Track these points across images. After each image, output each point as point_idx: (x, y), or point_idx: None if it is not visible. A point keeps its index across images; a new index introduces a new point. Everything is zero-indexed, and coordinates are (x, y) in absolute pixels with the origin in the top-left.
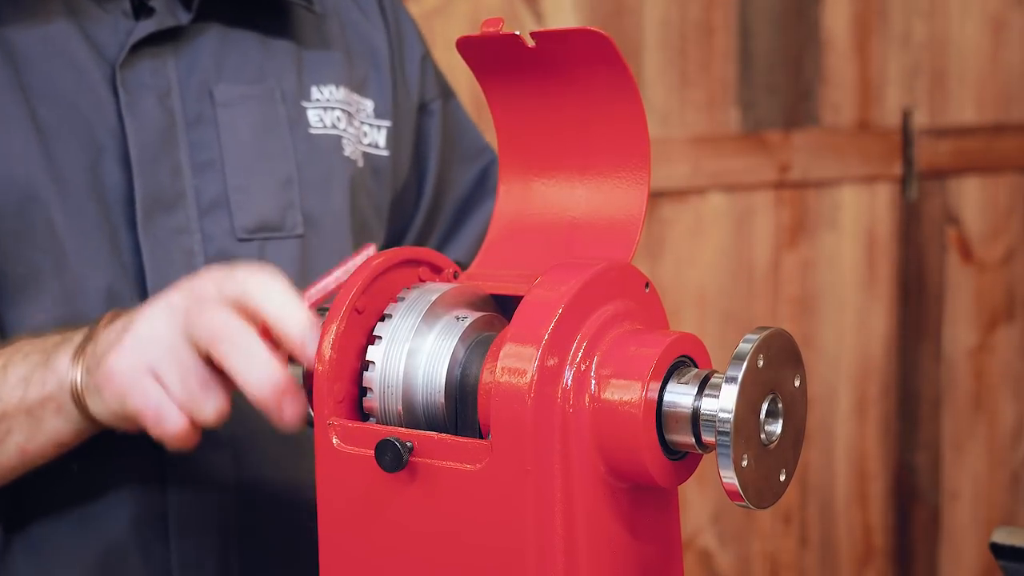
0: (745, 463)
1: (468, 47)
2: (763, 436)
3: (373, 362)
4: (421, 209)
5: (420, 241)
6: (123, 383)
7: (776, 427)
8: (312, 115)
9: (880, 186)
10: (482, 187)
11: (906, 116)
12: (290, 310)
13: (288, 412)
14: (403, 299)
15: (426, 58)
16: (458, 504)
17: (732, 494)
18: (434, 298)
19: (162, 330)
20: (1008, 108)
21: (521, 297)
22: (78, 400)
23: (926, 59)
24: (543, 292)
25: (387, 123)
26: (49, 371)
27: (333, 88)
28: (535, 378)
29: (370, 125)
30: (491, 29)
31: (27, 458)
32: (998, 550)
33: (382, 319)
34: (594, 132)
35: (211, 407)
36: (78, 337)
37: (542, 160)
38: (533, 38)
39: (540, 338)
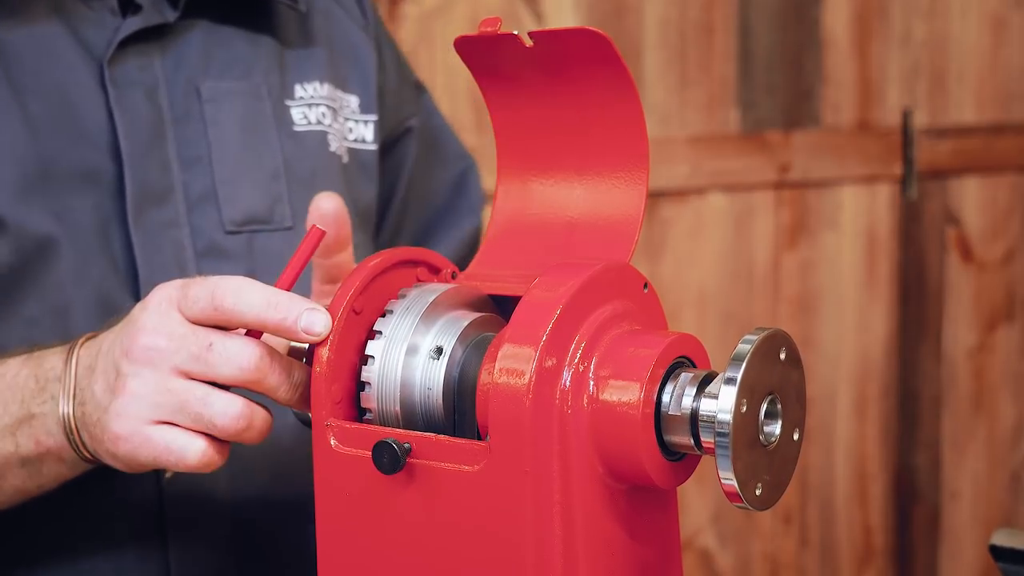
0: (744, 464)
1: (466, 47)
2: (762, 437)
3: (372, 356)
4: (392, 210)
5: (391, 243)
6: (131, 444)
7: (775, 428)
8: (296, 113)
9: (880, 186)
10: (460, 197)
11: (906, 116)
12: (267, 310)
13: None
14: (402, 299)
15: (404, 65)
16: (456, 506)
17: (731, 495)
18: (432, 299)
19: (150, 378)
20: (1008, 108)
21: (519, 298)
22: (80, 450)
23: (926, 59)
24: (541, 293)
25: (374, 117)
26: (40, 429)
27: (317, 84)
28: (533, 379)
29: (356, 120)
30: (489, 29)
31: (27, 495)
32: (997, 552)
33: (382, 315)
34: (593, 132)
35: (222, 412)
36: (58, 389)
37: (540, 160)
38: (531, 38)
39: (538, 339)
